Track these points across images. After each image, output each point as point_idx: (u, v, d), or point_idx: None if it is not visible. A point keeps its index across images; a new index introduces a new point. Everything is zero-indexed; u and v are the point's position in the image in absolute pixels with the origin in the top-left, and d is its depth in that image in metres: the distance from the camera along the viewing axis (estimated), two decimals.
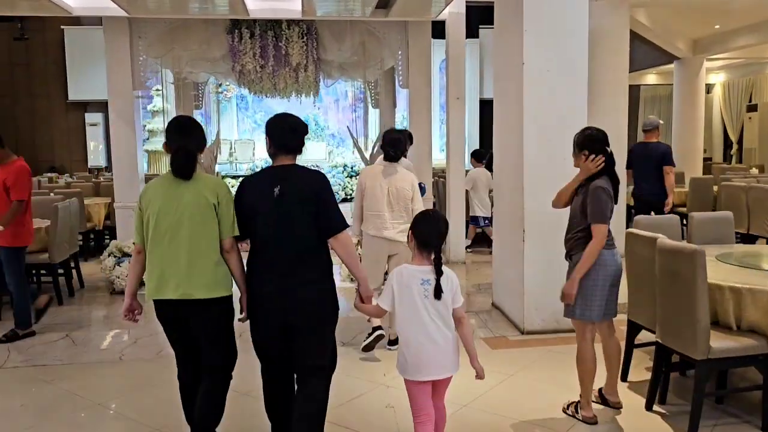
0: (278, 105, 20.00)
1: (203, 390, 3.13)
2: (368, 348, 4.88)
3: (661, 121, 7.71)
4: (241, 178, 17.04)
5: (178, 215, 2.99)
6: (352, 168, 17.25)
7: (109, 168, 19.60)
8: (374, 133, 16.37)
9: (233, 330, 3.22)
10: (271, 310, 2.99)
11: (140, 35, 8.50)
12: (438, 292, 2.84)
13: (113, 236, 8.79)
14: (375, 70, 10.38)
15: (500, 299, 6.19)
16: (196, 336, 3.13)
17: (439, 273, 2.86)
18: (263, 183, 3.01)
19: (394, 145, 4.91)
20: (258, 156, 18.52)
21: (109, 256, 7.23)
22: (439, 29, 8.99)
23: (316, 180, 3.03)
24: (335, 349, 3.22)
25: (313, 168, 3.20)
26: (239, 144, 19.09)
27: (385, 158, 4.94)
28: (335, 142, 19.89)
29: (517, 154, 5.48)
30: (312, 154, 18.24)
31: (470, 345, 3.01)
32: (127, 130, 8.57)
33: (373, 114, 16.88)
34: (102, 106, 17.28)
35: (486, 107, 16.47)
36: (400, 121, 18.56)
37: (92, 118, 17.39)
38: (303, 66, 9.16)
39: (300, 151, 3.09)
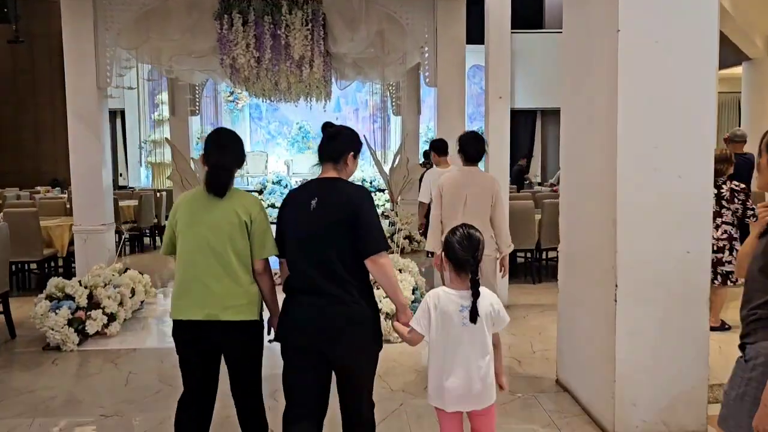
0: (294, 114, 18.55)
1: (244, 417, 3.01)
2: None
3: None
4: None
5: (207, 231, 2.86)
6: (371, 183, 15.44)
7: (115, 181, 18.28)
8: (395, 143, 14.57)
9: (261, 357, 3.01)
10: (301, 333, 2.75)
11: (107, 21, 6.75)
12: (474, 316, 2.60)
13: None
14: (396, 67, 8.54)
15: (570, 377, 4.25)
16: (217, 360, 2.96)
17: (475, 295, 2.61)
18: (303, 194, 2.84)
19: (471, 144, 4.64)
20: (271, 169, 16.89)
21: (45, 298, 5.43)
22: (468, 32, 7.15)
23: (358, 195, 2.77)
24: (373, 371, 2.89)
25: (357, 185, 2.93)
26: (251, 156, 17.46)
27: (466, 160, 4.66)
28: None
29: (604, 170, 3.58)
30: None
31: (499, 363, 2.79)
32: (88, 136, 6.81)
33: (395, 122, 15.04)
34: (110, 116, 16.12)
35: (516, 117, 14.64)
36: (425, 132, 16.83)
37: None
38: (308, 60, 7.32)
39: (337, 160, 2.85)
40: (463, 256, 2.63)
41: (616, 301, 3.49)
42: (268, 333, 2.98)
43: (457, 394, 2.63)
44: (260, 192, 15.87)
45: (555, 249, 7.83)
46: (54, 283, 5.57)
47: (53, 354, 5.16)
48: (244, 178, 17.27)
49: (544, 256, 7.88)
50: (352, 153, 2.85)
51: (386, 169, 8.71)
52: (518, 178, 13.01)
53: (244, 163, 3.02)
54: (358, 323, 2.71)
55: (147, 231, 11.12)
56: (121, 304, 5.84)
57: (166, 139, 10.77)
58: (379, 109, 15.98)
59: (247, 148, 17.80)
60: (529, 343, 5.32)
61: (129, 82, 7.95)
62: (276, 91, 8.47)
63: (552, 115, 17.96)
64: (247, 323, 2.88)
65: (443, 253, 2.74)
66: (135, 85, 8.10)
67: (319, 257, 2.69)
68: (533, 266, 7.81)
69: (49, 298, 5.45)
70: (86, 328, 5.35)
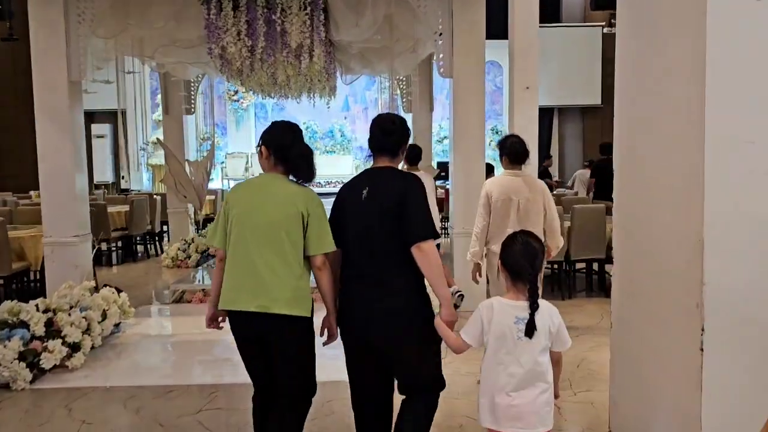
0: (301, 114, 17.68)
1: (273, 419, 2.85)
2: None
3: None
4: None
5: (263, 221, 2.77)
6: None
7: (117, 184, 17.54)
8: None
9: (314, 356, 2.88)
10: (355, 323, 2.78)
11: (80, 6, 5.90)
12: (531, 330, 2.40)
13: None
14: (407, 58, 7.63)
15: (629, 428, 3.32)
16: (272, 356, 2.83)
17: (534, 307, 2.41)
18: (356, 185, 2.84)
19: (517, 146, 4.29)
20: None
21: None
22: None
23: (405, 182, 2.75)
24: (435, 368, 2.84)
25: (408, 173, 2.91)
26: (256, 158, 16.56)
27: (512, 162, 4.31)
28: (363, 155, 17.28)
29: (684, 172, 2.66)
30: (337, 169, 15.82)
31: (556, 383, 2.56)
32: (60, 137, 5.96)
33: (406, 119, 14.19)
34: (110, 117, 15.44)
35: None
36: (437, 131, 15.92)
37: (99, 129, 16.45)
38: (307, 49, 6.43)
39: (395, 153, 2.86)
40: (521, 264, 2.48)
41: (702, 350, 2.57)
42: (321, 334, 2.91)
43: (511, 413, 2.44)
44: None
45: (586, 260, 6.98)
46: (7, 307, 4.72)
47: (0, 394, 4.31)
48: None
49: (567, 267, 7.00)
50: (405, 143, 2.88)
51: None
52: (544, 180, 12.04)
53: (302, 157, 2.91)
54: (405, 312, 2.70)
55: (139, 238, 10.29)
56: (88, 330, 4.98)
57: (158, 139, 9.96)
58: (389, 107, 15.13)
59: (252, 149, 17.03)
60: (566, 381, 4.39)
61: (107, 76, 7.10)
62: (274, 85, 7.59)
63: (570, 112, 17.00)
64: (295, 318, 2.77)
65: (500, 261, 2.57)
66: (113, 79, 7.25)
67: (371, 247, 2.71)
68: (563, 279, 6.91)
69: (1, 324, 4.60)
70: (41, 362, 4.49)
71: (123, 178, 16.76)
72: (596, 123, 16.62)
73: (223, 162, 16.72)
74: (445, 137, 15.91)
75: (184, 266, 8.99)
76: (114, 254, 9.88)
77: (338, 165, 16.69)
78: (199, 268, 8.31)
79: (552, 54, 14.96)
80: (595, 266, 7.26)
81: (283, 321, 2.75)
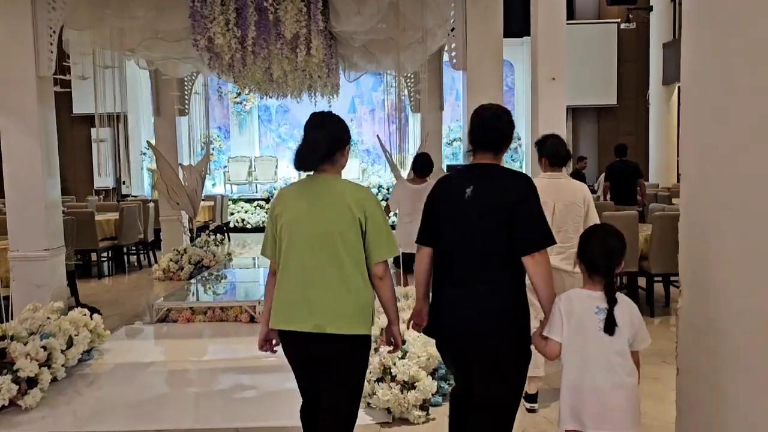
0: (306, 116, 16.98)
1: None
2: None
3: None
4: (255, 203, 14.07)
5: (316, 227, 2.51)
6: (388, 189, 13.84)
7: (118, 190, 16.99)
8: (413, 146, 12.93)
9: (364, 377, 2.66)
10: (445, 327, 2.63)
11: None
12: (610, 326, 2.31)
13: None
14: (415, 52, 6.92)
15: None
16: (324, 374, 2.56)
17: (611, 302, 2.34)
18: (457, 181, 2.63)
19: (557, 146, 3.90)
20: (281, 174, 15.45)
21: None
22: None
23: (518, 184, 2.54)
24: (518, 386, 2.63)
25: (517, 171, 2.68)
26: (260, 161, 15.97)
27: (552, 164, 3.90)
28: (370, 159, 16.66)
29: None
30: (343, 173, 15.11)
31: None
32: (26, 138, 5.28)
33: (413, 121, 13.44)
34: (111, 121, 14.88)
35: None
36: (447, 134, 15.18)
37: (100, 133, 15.57)
38: (303, 40, 5.71)
39: (499, 149, 2.64)
40: (598, 258, 2.42)
41: None
42: (387, 343, 2.76)
43: (595, 412, 2.33)
44: (267, 201, 14.38)
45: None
46: None
47: None
48: (252, 185, 15.81)
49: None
50: (510, 139, 2.67)
51: (404, 174, 7.10)
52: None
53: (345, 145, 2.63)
54: (507, 320, 2.53)
55: (132, 248, 9.62)
56: (48, 361, 4.28)
57: (149, 143, 9.29)
58: (395, 108, 14.45)
59: (257, 153, 16.37)
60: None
61: (83, 71, 6.42)
62: (270, 81, 6.88)
63: (585, 113, 16.22)
64: (356, 338, 2.52)
65: (577, 253, 2.50)
66: (89, 74, 6.57)
67: (473, 250, 2.55)
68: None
69: None
70: None
71: (124, 183, 16.20)
72: (612, 124, 15.88)
73: (225, 166, 16.08)
74: (456, 139, 15.18)
75: (177, 279, 8.32)
76: (105, 265, 9.21)
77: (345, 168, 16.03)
78: (193, 280, 7.61)
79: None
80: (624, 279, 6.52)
81: (342, 342, 2.49)
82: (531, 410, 3.87)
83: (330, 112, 2.72)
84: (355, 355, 2.57)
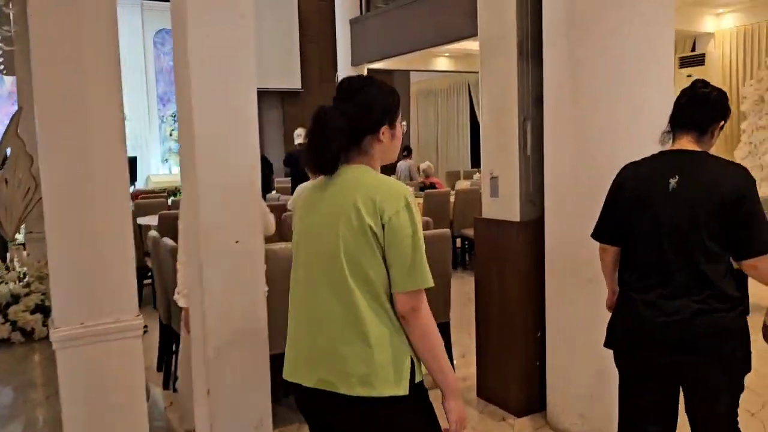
0: None
1: None
2: None
3: None
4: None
5: (317, 247, 1.71)
6: None
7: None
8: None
9: None
10: (651, 341, 2.15)
11: None
12: None
13: None
14: None
15: None
16: None
17: None
18: (656, 171, 2.19)
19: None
20: None
21: None
22: None
23: (738, 177, 2.10)
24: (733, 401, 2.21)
25: (732, 162, 2.26)
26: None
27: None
28: None
29: None
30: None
31: None
32: None
33: None
34: None
35: None
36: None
37: None
38: None
39: (704, 130, 2.16)
40: None
41: None
42: (450, 429, 1.79)
43: None
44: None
45: None
46: None
47: None
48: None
49: None
50: (722, 123, 2.19)
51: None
52: None
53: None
54: (724, 334, 2.11)
55: None
56: None
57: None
58: None
59: None
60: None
61: None
62: None
63: (269, 97, 14.54)
64: (379, 401, 1.62)
65: None
66: None
67: (678, 251, 2.12)
68: None
69: None
70: None
71: None
72: (296, 110, 14.59)
73: None
74: None
75: None
76: None
77: None
78: None
79: None
80: None
81: (355, 404, 1.64)
82: None
83: (360, 76, 1.90)
84: (383, 422, 1.67)
